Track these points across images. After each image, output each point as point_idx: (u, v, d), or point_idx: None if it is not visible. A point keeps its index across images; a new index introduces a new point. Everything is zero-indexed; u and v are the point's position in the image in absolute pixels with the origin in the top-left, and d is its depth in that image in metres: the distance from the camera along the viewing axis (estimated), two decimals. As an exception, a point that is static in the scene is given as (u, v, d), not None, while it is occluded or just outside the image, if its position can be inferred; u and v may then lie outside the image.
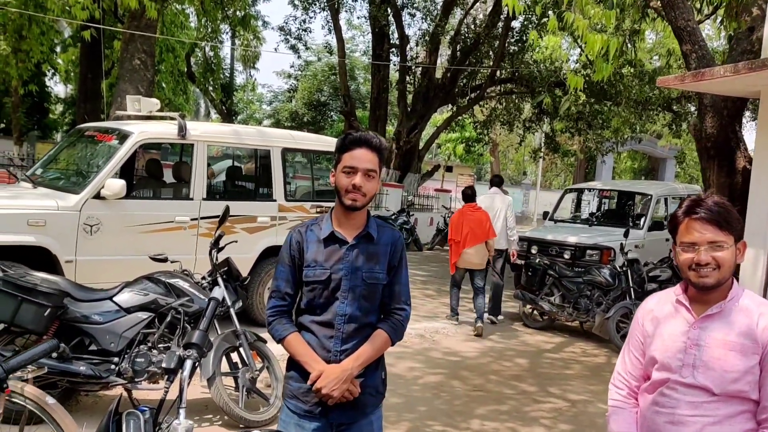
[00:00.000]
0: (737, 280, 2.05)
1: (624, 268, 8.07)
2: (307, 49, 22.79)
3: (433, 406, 5.26)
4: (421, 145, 20.53)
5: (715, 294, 1.95)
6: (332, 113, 27.90)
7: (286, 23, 19.49)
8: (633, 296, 7.85)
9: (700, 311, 1.97)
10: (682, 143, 26.53)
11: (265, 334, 4.85)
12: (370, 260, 2.39)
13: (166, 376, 2.18)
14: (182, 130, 6.18)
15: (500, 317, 8.79)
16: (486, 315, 8.38)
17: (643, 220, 10.71)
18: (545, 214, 12.02)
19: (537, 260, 8.53)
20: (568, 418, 5.24)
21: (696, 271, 1.92)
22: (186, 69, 20.27)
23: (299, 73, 27.24)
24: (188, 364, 2.12)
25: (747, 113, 14.48)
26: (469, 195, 8.34)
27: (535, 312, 8.60)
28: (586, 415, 5.32)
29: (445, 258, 15.56)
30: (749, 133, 15.85)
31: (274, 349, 5.78)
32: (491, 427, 4.91)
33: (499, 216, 8.57)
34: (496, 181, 9.26)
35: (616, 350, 7.49)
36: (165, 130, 6.41)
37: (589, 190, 13.41)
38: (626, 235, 8.67)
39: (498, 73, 18.28)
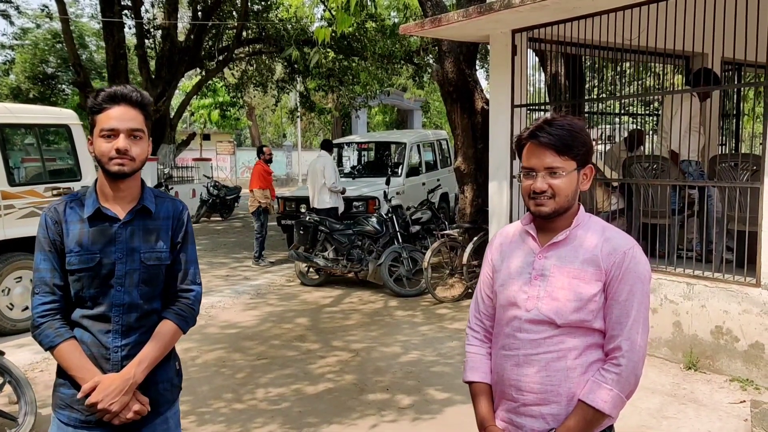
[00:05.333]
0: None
1: (389, 215, 8.38)
2: (20, 13, 19.85)
3: (215, 384, 4.94)
4: (172, 113, 19.28)
5: (560, 221, 1.85)
6: (64, 86, 24.87)
7: (-12, -18, 16.68)
8: (401, 240, 8.20)
9: (546, 240, 1.87)
10: (425, 94, 28.52)
11: (4, 344, 4.11)
12: (149, 238, 2.04)
13: None
14: None
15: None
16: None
17: (400, 167, 11.25)
18: (309, 172, 12.06)
19: (307, 218, 8.48)
20: (352, 368, 5.28)
21: (534, 199, 1.81)
22: None
23: (15, 42, 23.73)
24: None
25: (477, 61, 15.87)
26: (259, 149, 10.78)
27: (311, 269, 8.59)
28: (370, 362, 5.41)
29: (214, 229, 14.96)
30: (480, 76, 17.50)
31: (19, 359, 4.96)
32: (276, 392, 4.75)
33: (319, 176, 9.19)
34: (324, 145, 9.93)
35: (391, 294, 7.80)
36: None
37: (348, 144, 13.72)
38: (387, 183, 9.00)
39: (244, 33, 17.71)
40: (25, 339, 5.96)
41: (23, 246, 6.15)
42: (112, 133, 1.94)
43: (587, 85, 10.08)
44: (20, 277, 6.23)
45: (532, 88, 6.96)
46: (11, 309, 6.19)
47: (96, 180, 2.06)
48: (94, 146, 1.98)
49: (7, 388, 4.00)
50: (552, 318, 1.81)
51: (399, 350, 5.72)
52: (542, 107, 6.95)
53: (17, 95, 23.32)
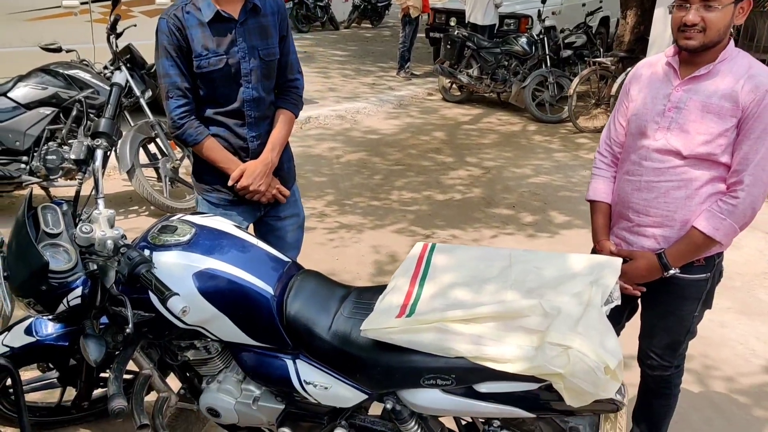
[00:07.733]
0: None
1: (541, 36, 8.07)
2: None
3: (355, 182, 5.45)
4: None
5: (706, 56, 1.83)
6: None
7: None
8: (549, 64, 7.96)
9: (687, 73, 1.87)
10: None
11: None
12: (263, 35, 2.20)
13: (80, 169, 2.07)
14: None
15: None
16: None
17: (561, -16, 10.48)
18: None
19: (456, 32, 8.37)
20: (482, 183, 5.56)
21: (683, 32, 1.78)
22: None
23: None
24: (98, 153, 2.00)
25: None
26: None
27: (453, 86, 8.67)
28: (499, 180, 5.65)
29: (364, 36, 15.10)
30: None
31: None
32: (409, 196, 5.18)
33: None
34: None
35: (531, 118, 7.79)
36: None
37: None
38: (544, 1, 8.53)
39: None
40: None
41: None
42: None
43: None
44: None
45: None
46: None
47: None
48: None
49: (186, 161, 4.70)
50: (678, 149, 1.86)
51: (529, 172, 5.89)
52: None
53: None
